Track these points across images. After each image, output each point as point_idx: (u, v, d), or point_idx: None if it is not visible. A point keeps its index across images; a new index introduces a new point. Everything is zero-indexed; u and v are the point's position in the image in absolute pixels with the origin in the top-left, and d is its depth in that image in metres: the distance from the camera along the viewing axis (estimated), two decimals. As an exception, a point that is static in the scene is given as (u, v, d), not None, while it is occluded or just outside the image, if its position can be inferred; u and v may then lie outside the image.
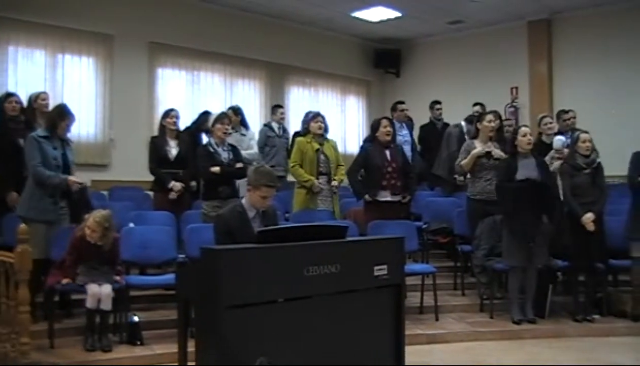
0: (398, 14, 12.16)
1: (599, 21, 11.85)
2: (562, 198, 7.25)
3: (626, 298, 7.26)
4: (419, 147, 10.54)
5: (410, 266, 7.09)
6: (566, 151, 7.79)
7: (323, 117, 8.07)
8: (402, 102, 10.24)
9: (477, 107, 10.03)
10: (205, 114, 9.07)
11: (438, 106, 10.77)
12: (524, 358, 6.11)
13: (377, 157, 7.47)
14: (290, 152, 8.82)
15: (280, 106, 10.77)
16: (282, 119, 10.48)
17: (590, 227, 6.96)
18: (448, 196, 9.42)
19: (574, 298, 7.28)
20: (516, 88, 12.69)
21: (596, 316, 7.22)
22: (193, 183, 8.08)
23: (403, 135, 9.75)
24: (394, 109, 10.09)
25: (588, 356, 6.16)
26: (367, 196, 7.52)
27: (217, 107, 9.72)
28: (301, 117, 8.90)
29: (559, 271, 7.56)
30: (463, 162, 7.66)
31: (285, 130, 10.45)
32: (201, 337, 3.53)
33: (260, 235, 3.90)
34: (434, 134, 10.37)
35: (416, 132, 10.66)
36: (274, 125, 10.25)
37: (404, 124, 9.96)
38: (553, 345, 6.57)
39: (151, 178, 7.94)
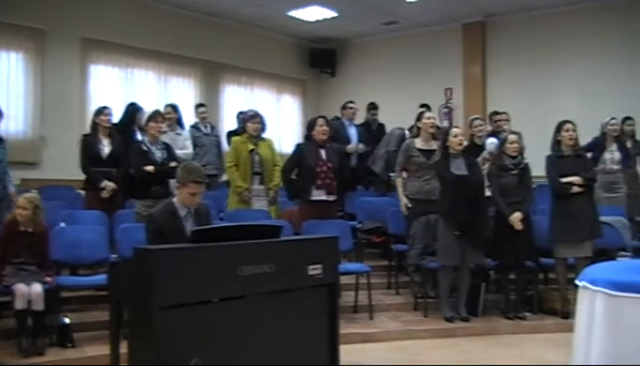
0: (334, 14, 12.20)
1: (531, 25, 12.12)
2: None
3: (556, 295, 7.42)
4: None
5: (345, 266, 7.11)
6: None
7: (261, 117, 8.01)
8: (352, 102, 10.29)
9: (424, 109, 10.10)
10: (133, 106, 8.85)
11: (374, 111, 10.78)
12: (457, 355, 6.19)
13: (312, 157, 7.45)
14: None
15: (202, 105, 10.66)
16: (204, 118, 10.38)
17: (518, 226, 7.10)
18: (382, 195, 9.48)
19: (505, 296, 7.41)
20: (450, 89, 12.87)
21: (527, 314, 7.35)
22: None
23: (352, 133, 9.80)
24: (344, 107, 10.15)
25: (519, 352, 6.29)
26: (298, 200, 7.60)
27: (151, 105, 9.58)
28: (236, 115, 8.84)
29: (491, 270, 7.69)
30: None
31: (213, 128, 10.38)
32: (134, 338, 3.49)
33: (194, 235, 3.87)
34: (368, 134, 10.41)
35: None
36: (200, 125, 10.19)
37: (353, 123, 10.00)
38: (485, 341, 6.68)
39: (83, 177, 7.79)
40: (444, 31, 12.98)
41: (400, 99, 10.85)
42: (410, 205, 7.60)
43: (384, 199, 9.14)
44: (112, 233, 6.90)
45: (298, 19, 12.49)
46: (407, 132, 9.24)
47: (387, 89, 13.04)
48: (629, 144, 9.36)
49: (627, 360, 3.37)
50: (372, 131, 10.43)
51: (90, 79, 10.72)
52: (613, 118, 8.98)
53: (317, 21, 12.61)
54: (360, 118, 10.91)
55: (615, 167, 8.76)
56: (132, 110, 8.70)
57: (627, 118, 9.57)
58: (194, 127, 10.19)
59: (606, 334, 3.44)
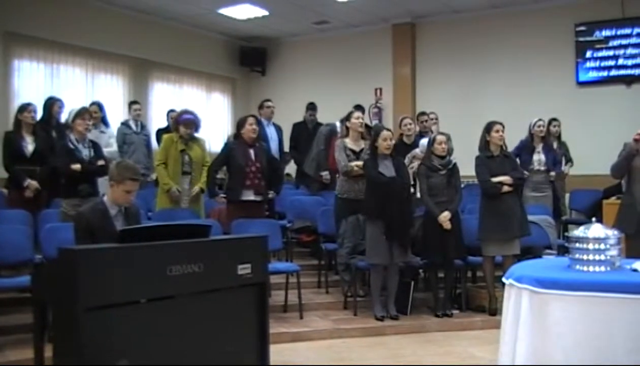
0: (265, 13, 12.14)
1: (460, 27, 12.30)
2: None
3: (484, 293, 7.55)
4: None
5: (274, 265, 7.13)
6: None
7: (195, 120, 7.90)
8: (269, 100, 10.21)
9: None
10: (50, 100, 8.61)
11: (312, 112, 10.76)
12: (387, 353, 6.24)
13: (241, 156, 7.42)
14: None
15: (136, 102, 10.54)
16: (138, 115, 10.25)
17: (447, 225, 7.20)
18: (314, 194, 9.50)
19: (434, 294, 7.49)
20: (380, 89, 12.97)
21: (455, 311, 7.47)
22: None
23: (270, 133, 9.76)
24: (261, 106, 10.06)
25: (447, 349, 6.38)
26: (218, 198, 7.67)
27: (77, 102, 9.36)
28: (164, 113, 8.72)
29: (419, 268, 7.78)
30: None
31: (143, 126, 10.24)
32: (59, 341, 3.40)
33: (122, 234, 3.80)
34: (305, 133, 10.40)
35: (288, 130, 10.61)
36: (131, 122, 10.04)
37: (271, 122, 9.96)
38: (414, 339, 6.75)
39: (5, 175, 7.58)
40: (374, 32, 13.06)
41: (331, 99, 10.88)
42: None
43: (314, 198, 9.15)
44: (36, 233, 6.72)
45: (229, 17, 12.39)
46: (337, 124, 9.27)
47: (318, 88, 13.05)
48: (555, 144, 9.60)
49: (551, 356, 3.45)
50: (309, 131, 10.42)
51: (13, 74, 10.38)
52: (540, 119, 9.19)
53: (248, 19, 12.53)
54: (290, 117, 10.90)
55: (542, 167, 8.96)
56: (49, 104, 8.50)
57: (553, 119, 9.82)
58: (125, 124, 10.05)
59: (532, 330, 3.50)
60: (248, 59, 14.21)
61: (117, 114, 11.00)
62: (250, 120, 7.60)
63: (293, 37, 13.95)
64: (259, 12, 12.10)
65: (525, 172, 8.29)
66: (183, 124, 7.77)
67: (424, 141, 8.34)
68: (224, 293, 4.03)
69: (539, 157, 8.98)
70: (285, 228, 8.55)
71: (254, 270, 4.12)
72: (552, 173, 8.91)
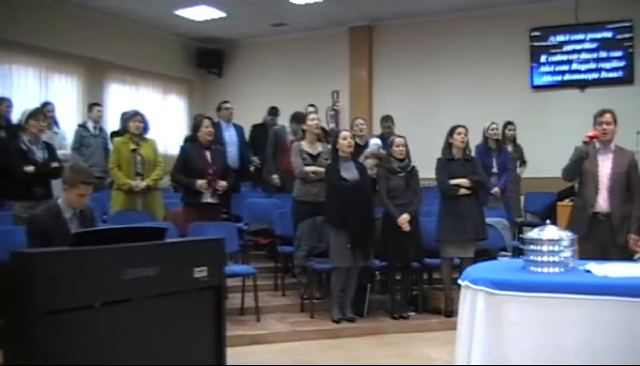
0: (222, 14, 12.09)
1: (417, 30, 12.40)
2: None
3: (440, 295, 7.60)
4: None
5: (231, 268, 7.08)
6: (382, 152, 8.08)
7: (142, 116, 7.85)
8: (227, 101, 10.16)
9: (312, 109, 10.14)
10: None
11: (274, 117, 10.72)
12: (343, 355, 6.24)
13: (198, 159, 7.38)
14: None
15: (98, 104, 10.40)
16: (100, 117, 10.14)
17: (406, 227, 7.22)
18: (270, 196, 9.48)
19: (391, 296, 7.52)
20: (337, 92, 13.01)
21: (412, 313, 7.50)
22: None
23: (230, 135, 9.73)
24: (219, 108, 10.01)
25: (404, 351, 6.41)
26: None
27: (31, 104, 9.20)
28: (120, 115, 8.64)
29: (377, 270, 7.80)
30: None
31: (102, 129, 10.11)
32: (11, 347, 3.33)
33: (77, 237, 3.74)
34: (264, 136, 10.35)
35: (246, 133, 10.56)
36: (90, 124, 9.91)
37: (230, 124, 9.92)
38: (371, 341, 6.77)
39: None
40: (331, 34, 13.09)
41: (288, 101, 10.84)
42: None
43: (271, 201, 9.13)
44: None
45: (185, 19, 12.31)
46: (286, 125, 9.28)
47: (275, 90, 13.03)
48: (510, 148, 9.72)
49: (506, 356, 3.48)
50: (268, 134, 10.37)
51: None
52: (493, 123, 9.30)
53: (205, 21, 12.47)
54: (247, 118, 10.86)
55: (495, 170, 9.07)
56: None
57: (509, 123, 9.94)
58: (82, 126, 9.90)
59: (487, 331, 3.54)
60: (205, 60, 14.14)
61: (71, 115, 10.85)
62: (206, 122, 7.57)
63: (250, 39, 13.91)
64: (216, 13, 12.05)
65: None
66: (130, 119, 7.76)
67: (374, 140, 8.37)
68: (180, 297, 3.99)
69: (492, 161, 9.10)
70: (242, 230, 8.52)
71: (210, 273, 4.09)
72: (496, 189, 8.98)
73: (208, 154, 7.46)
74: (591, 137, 5.79)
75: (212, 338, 4.21)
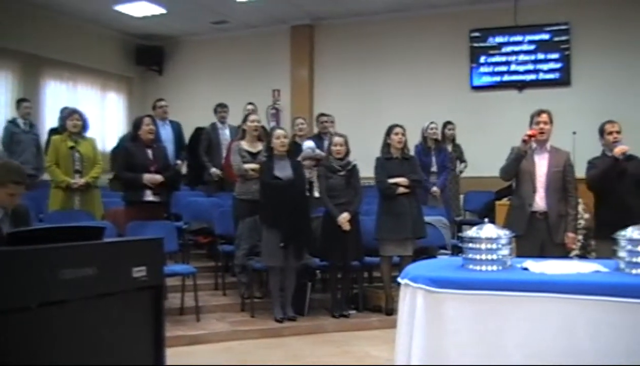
0: (162, 11, 11.97)
1: (359, 30, 12.46)
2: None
3: (380, 293, 7.64)
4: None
5: (171, 267, 7.02)
6: (319, 152, 8.10)
7: (81, 114, 7.73)
8: (162, 100, 10.06)
9: (251, 106, 10.09)
10: None
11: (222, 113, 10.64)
12: (285, 354, 6.24)
13: (140, 157, 7.29)
14: (46, 148, 8.39)
15: (26, 100, 10.16)
16: (28, 113, 9.92)
17: (346, 226, 7.25)
18: (210, 195, 9.42)
19: (332, 295, 7.55)
20: (278, 91, 12.99)
21: (352, 312, 7.53)
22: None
23: (166, 133, 9.61)
24: (154, 106, 9.91)
25: (345, 349, 6.43)
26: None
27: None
28: (57, 112, 8.47)
29: (317, 269, 7.81)
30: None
31: (32, 125, 9.90)
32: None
33: (11, 237, 3.65)
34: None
35: (186, 131, 10.43)
36: (20, 121, 9.69)
37: (167, 122, 9.82)
38: (312, 340, 6.78)
39: None
40: (273, 33, 13.08)
41: (229, 99, 10.76)
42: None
43: (211, 200, 9.08)
44: None
45: (125, 14, 12.15)
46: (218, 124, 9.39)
47: (216, 88, 12.95)
48: (449, 147, 9.83)
49: (446, 353, 3.51)
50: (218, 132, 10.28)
51: None
52: (432, 122, 9.40)
53: (145, 17, 12.32)
54: (188, 117, 10.75)
55: (434, 169, 9.17)
56: None
57: (448, 122, 10.06)
58: (12, 122, 9.69)
59: (427, 329, 3.56)
60: (144, 57, 13.97)
61: (3, 112, 10.60)
62: (147, 121, 7.48)
63: (191, 36, 13.80)
64: (156, 9, 11.93)
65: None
66: (69, 117, 7.64)
67: (307, 143, 8.38)
68: (119, 297, 3.92)
69: (431, 160, 9.21)
70: (181, 229, 8.45)
71: (149, 273, 4.03)
72: (435, 189, 9.09)
73: (149, 152, 7.37)
74: (530, 136, 5.88)
75: (151, 338, 4.16)
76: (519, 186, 6.07)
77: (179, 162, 9.76)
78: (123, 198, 7.56)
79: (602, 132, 6.29)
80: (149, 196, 7.28)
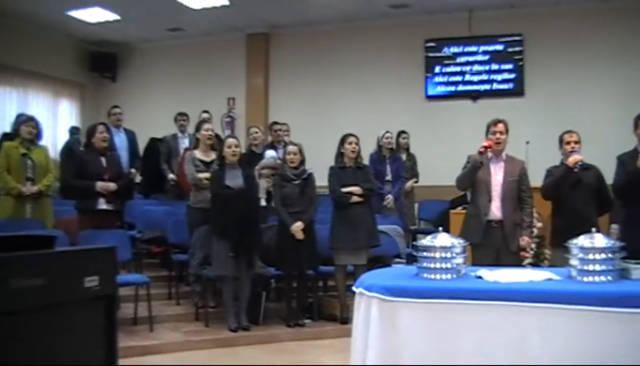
0: (116, 17, 11.85)
1: (314, 39, 12.48)
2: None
3: (335, 302, 7.64)
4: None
5: (123, 277, 6.92)
6: (279, 162, 8.08)
7: (37, 122, 7.63)
8: (117, 107, 9.96)
9: (206, 115, 10.04)
10: None
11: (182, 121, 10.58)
12: (240, 364, 6.20)
13: (93, 165, 7.21)
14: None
15: None
16: None
17: (299, 236, 7.25)
18: (165, 204, 9.34)
19: (287, 304, 7.52)
20: (233, 99, 12.96)
21: (307, 321, 7.52)
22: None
23: (120, 140, 9.52)
24: (109, 113, 9.82)
25: (299, 358, 6.42)
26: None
27: None
28: (7, 119, 8.33)
29: (272, 278, 7.79)
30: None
31: None
32: None
33: (-43, 246, 3.57)
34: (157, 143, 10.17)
35: (141, 139, 10.33)
36: None
37: (121, 130, 9.72)
38: (267, 349, 6.75)
39: None
40: (228, 41, 13.03)
41: (184, 107, 10.69)
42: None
43: (165, 208, 8.99)
44: None
45: (78, 20, 11.99)
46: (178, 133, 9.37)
47: (171, 96, 12.86)
48: (403, 156, 9.89)
49: (401, 362, 3.52)
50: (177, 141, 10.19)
51: None
52: (387, 132, 9.46)
53: (99, 23, 12.19)
54: (148, 124, 10.65)
55: (389, 178, 9.22)
56: None
57: (402, 132, 10.12)
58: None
59: (381, 337, 3.57)
60: (98, 64, 13.80)
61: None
62: (100, 128, 7.41)
63: (146, 43, 13.68)
64: (110, 16, 11.80)
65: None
66: (24, 124, 7.54)
67: (269, 152, 8.36)
68: (70, 307, 3.86)
69: (386, 169, 9.27)
70: (135, 238, 8.35)
71: (101, 282, 3.97)
72: (390, 197, 9.14)
73: (103, 159, 7.30)
74: (486, 148, 5.93)
75: (104, 349, 4.10)
76: (475, 195, 6.11)
77: (133, 170, 9.65)
78: (75, 206, 7.46)
79: (561, 141, 6.37)
80: (102, 205, 7.21)
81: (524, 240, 6.04)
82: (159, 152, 9.79)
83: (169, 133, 9.85)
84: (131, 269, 8.05)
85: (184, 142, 9.60)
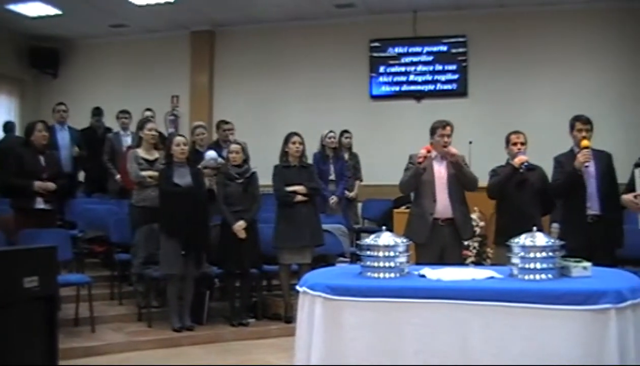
0: (58, 12, 11.63)
1: (260, 37, 12.44)
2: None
3: (279, 301, 7.64)
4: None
5: (64, 277, 6.82)
6: (221, 161, 8.04)
7: None
8: (62, 104, 9.83)
9: (149, 113, 9.94)
10: None
11: (98, 117, 10.45)
12: (183, 364, 6.16)
13: (32, 163, 7.08)
14: None
15: None
16: None
17: (242, 234, 7.23)
18: (106, 203, 9.22)
19: (230, 304, 7.49)
20: (177, 97, 12.83)
21: (251, 320, 7.50)
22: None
23: (62, 138, 9.38)
24: (53, 110, 9.68)
25: (243, 358, 6.40)
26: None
27: None
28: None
29: (215, 277, 7.75)
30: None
31: None
32: None
33: None
34: (94, 139, 10.04)
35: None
36: None
37: (65, 127, 9.58)
38: (211, 349, 6.72)
39: None
40: (172, 38, 12.90)
41: (127, 104, 10.55)
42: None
43: (107, 207, 8.89)
44: None
45: (18, 14, 11.71)
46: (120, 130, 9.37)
47: (114, 93, 12.67)
48: (346, 156, 9.93)
49: (345, 360, 3.54)
50: (98, 137, 10.07)
51: None
52: (331, 131, 9.51)
53: (39, 17, 11.93)
54: (86, 122, 10.52)
55: (332, 177, 9.26)
56: None
57: (345, 131, 10.16)
58: None
59: (325, 336, 3.58)
60: (39, 60, 13.49)
61: None
62: (39, 126, 7.28)
63: (88, 39, 13.45)
64: (51, 10, 11.56)
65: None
66: None
67: (209, 153, 8.32)
68: (9, 308, 3.79)
69: (329, 168, 9.31)
70: (76, 237, 8.24)
71: (41, 283, 3.93)
72: (334, 198, 9.19)
73: (42, 158, 7.17)
74: (425, 157, 5.92)
75: (44, 351, 4.05)
76: (420, 195, 6.12)
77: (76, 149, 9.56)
78: (11, 205, 7.30)
79: (507, 141, 6.45)
80: (40, 204, 7.10)
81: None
82: (97, 140, 9.70)
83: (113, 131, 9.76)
84: (72, 269, 7.96)
85: (127, 141, 9.49)
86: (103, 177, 9.71)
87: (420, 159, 5.87)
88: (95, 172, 9.89)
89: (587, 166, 5.98)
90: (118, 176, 9.09)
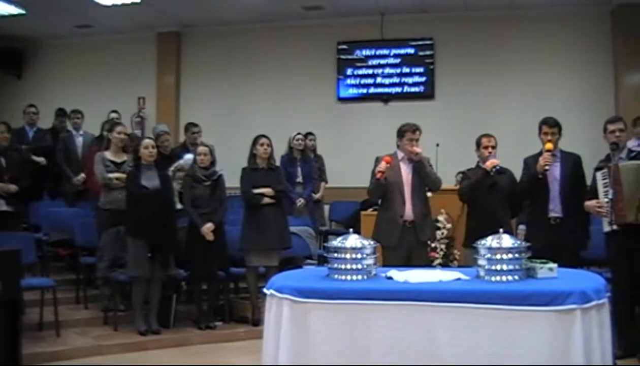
0: (21, 11, 11.47)
1: (227, 38, 12.37)
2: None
3: (247, 304, 7.63)
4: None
5: (28, 281, 6.73)
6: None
7: None
8: (33, 106, 9.80)
9: (114, 115, 9.84)
10: None
11: (62, 119, 10.34)
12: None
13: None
14: None
15: None
16: None
17: (209, 237, 7.20)
18: (71, 205, 9.11)
19: (197, 307, 7.46)
20: (143, 98, 12.72)
21: (218, 323, 7.49)
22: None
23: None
24: (24, 111, 9.68)
25: (210, 361, 6.39)
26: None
27: None
28: None
29: (182, 280, 7.71)
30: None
31: None
32: None
33: None
34: (57, 139, 9.91)
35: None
36: None
37: (35, 128, 9.57)
38: (178, 353, 6.69)
39: None
40: (138, 39, 12.79)
41: (92, 106, 10.44)
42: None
43: (72, 210, 8.79)
44: None
45: (-20, 14, 11.57)
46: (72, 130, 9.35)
47: (80, 94, 12.49)
48: (311, 156, 9.94)
49: (313, 362, 3.54)
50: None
51: None
52: (298, 133, 9.52)
53: (3, 17, 11.76)
54: (49, 123, 10.42)
55: (300, 180, 9.27)
56: None
57: (309, 133, 10.16)
58: None
59: (293, 338, 3.59)
60: (2, 60, 13.28)
61: None
62: (1, 128, 7.20)
63: (54, 39, 13.29)
64: (15, 10, 11.40)
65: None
66: None
67: (188, 155, 8.28)
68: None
69: (296, 170, 9.32)
70: (40, 241, 8.15)
71: (4, 287, 3.88)
72: (302, 200, 9.20)
73: (2, 160, 7.09)
74: (382, 172, 5.90)
75: (7, 356, 3.99)
76: (389, 199, 6.12)
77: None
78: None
79: (478, 144, 6.49)
80: (2, 206, 7.02)
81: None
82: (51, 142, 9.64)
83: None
84: (37, 272, 7.87)
85: (79, 141, 9.39)
86: (58, 179, 9.56)
87: (379, 175, 5.87)
88: (56, 174, 9.76)
89: (547, 169, 6.03)
90: (78, 178, 8.97)
